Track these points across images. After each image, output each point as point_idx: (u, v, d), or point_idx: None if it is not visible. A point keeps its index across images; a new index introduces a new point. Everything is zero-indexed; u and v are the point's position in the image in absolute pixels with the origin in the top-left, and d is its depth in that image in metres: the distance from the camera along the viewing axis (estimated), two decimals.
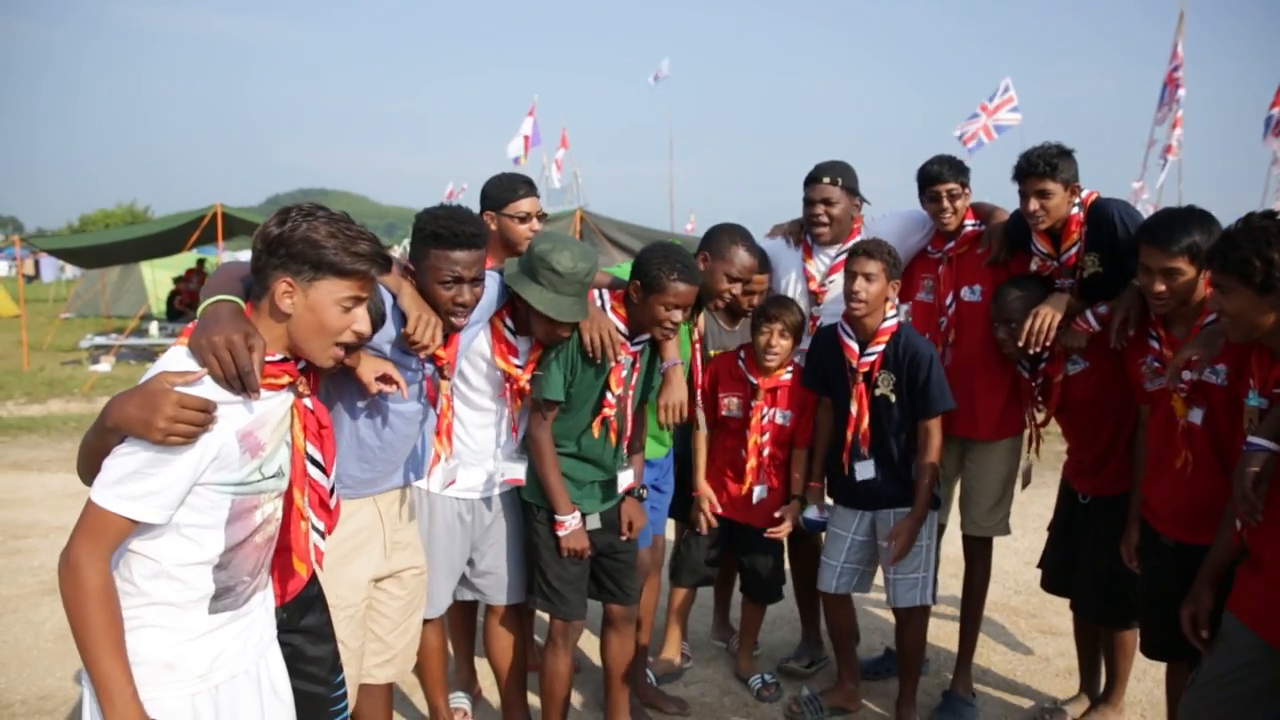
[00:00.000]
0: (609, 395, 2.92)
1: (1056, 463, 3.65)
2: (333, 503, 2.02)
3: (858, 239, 3.56)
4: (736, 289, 3.31)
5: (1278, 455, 2.20)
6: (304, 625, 2.17)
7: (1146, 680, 3.71)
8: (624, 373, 2.95)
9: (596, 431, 2.93)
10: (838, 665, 3.68)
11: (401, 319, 2.44)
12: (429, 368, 2.59)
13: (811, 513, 3.51)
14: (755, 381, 3.52)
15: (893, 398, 3.29)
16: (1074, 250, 3.17)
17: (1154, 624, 2.86)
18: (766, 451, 3.53)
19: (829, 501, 3.58)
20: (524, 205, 3.20)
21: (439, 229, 2.45)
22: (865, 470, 3.32)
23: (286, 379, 1.83)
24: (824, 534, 3.60)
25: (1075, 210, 3.16)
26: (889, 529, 3.36)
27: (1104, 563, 3.20)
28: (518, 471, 2.93)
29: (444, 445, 2.71)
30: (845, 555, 3.46)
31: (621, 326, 2.95)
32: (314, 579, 2.23)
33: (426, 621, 2.92)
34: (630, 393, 3.01)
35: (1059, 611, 4.40)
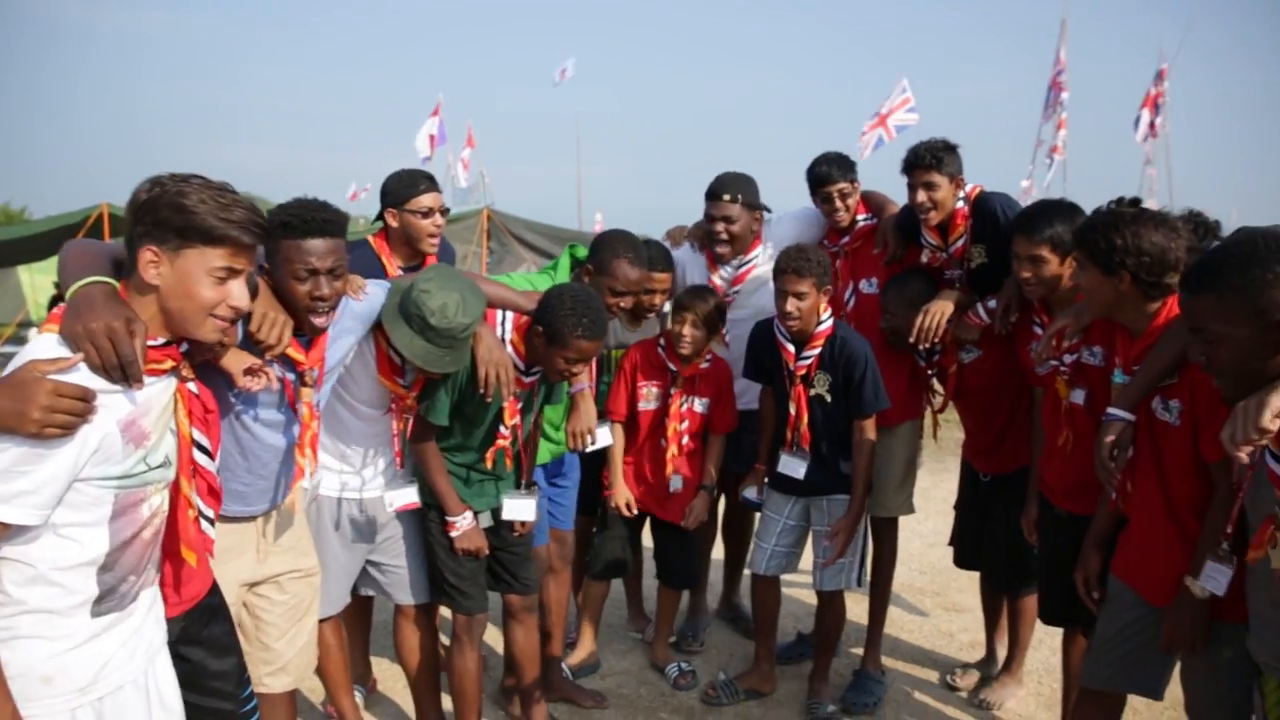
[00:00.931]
0: (502, 428, 2.85)
1: (956, 448, 3.77)
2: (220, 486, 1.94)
3: (760, 248, 3.64)
4: (625, 302, 3.19)
5: (1133, 424, 2.36)
6: (205, 637, 2.07)
7: (1043, 649, 3.87)
8: (519, 405, 2.88)
9: (489, 463, 2.89)
10: (755, 648, 3.74)
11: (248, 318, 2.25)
12: (289, 374, 2.39)
13: (750, 493, 3.56)
14: (675, 369, 3.52)
15: (828, 397, 3.34)
16: (961, 242, 3.29)
17: (1051, 591, 3.00)
18: (685, 440, 3.54)
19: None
20: (425, 200, 3.12)
21: (287, 218, 2.28)
22: (794, 468, 3.37)
23: (169, 364, 1.73)
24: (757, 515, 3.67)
25: (961, 204, 3.28)
26: (822, 514, 3.44)
27: (1007, 536, 3.36)
28: (410, 496, 2.85)
29: (307, 458, 2.46)
30: (777, 539, 3.52)
31: (518, 360, 2.84)
32: (214, 589, 2.13)
33: (322, 621, 2.81)
34: (530, 419, 2.97)
35: (962, 589, 4.57)
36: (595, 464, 3.62)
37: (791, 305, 3.21)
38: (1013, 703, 3.57)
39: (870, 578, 3.72)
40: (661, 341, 3.58)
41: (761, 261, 3.65)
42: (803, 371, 3.32)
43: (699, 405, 3.56)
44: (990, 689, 3.61)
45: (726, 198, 3.58)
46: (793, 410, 3.33)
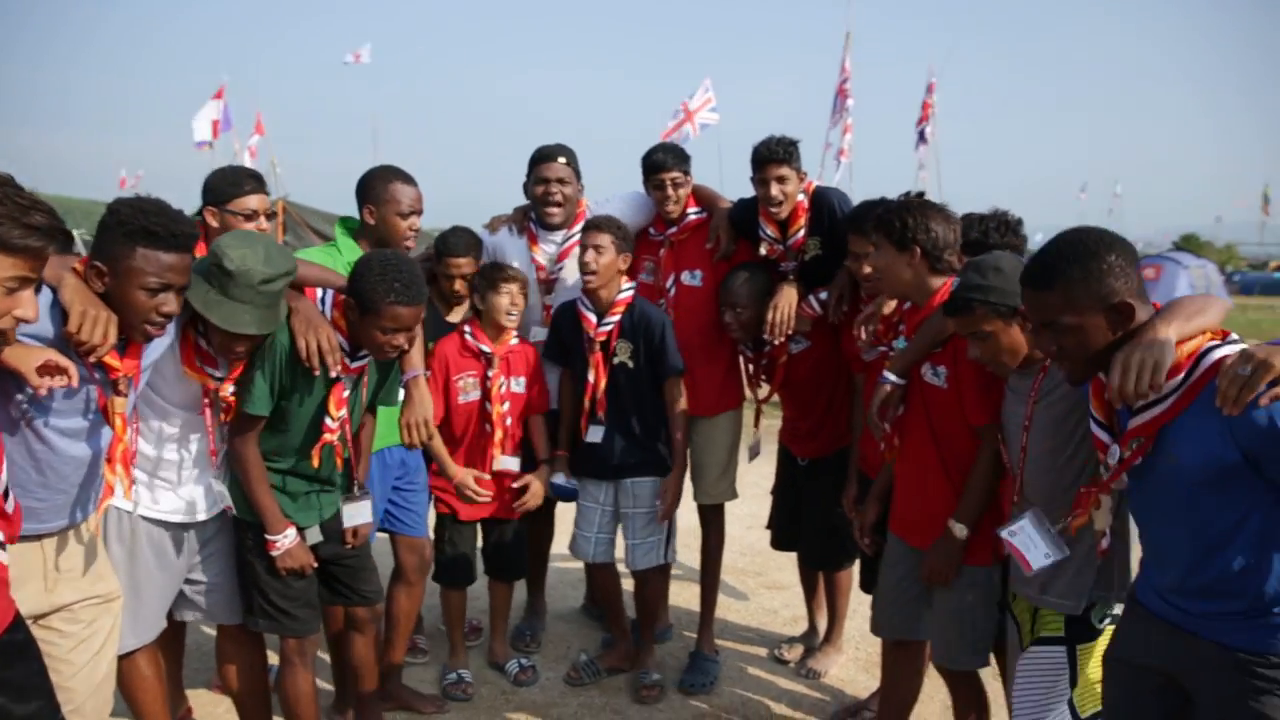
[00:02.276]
0: (328, 419, 2.66)
1: (769, 433, 3.97)
2: (9, 507, 1.74)
3: (584, 222, 3.64)
4: (414, 222, 3.12)
5: (902, 386, 2.69)
6: (5, 679, 1.84)
7: (857, 618, 4.15)
8: (345, 393, 2.68)
9: (316, 461, 2.70)
10: (610, 629, 3.81)
11: (63, 316, 2.04)
12: (97, 376, 2.17)
13: (559, 479, 3.56)
14: (489, 350, 3.45)
15: (631, 364, 3.43)
16: (800, 235, 3.46)
17: (870, 561, 3.25)
18: (509, 421, 3.50)
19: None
20: (251, 201, 2.92)
21: (152, 226, 2.11)
22: (597, 435, 3.45)
23: None
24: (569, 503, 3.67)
25: (801, 198, 3.46)
26: (629, 498, 3.53)
27: (824, 515, 3.57)
28: (227, 500, 2.64)
29: (119, 475, 2.25)
30: (598, 526, 3.58)
31: (343, 342, 2.65)
32: (17, 623, 1.90)
33: (135, 651, 2.56)
34: (359, 413, 2.82)
35: (781, 568, 4.82)
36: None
37: (590, 257, 3.30)
38: (835, 669, 3.82)
39: (701, 563, 3.87)
40: (467, 329, 3.48)
41: None
42: (603, 338, 3.39)
43: (517, 385, 3.52)
44: (815, 658, 3.85)
45: (561, 160, 3.61)
46: (591, 377, 3.40)
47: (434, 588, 3.63)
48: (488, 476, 3.50)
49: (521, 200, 3.83)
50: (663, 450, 3.53)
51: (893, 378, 2.71)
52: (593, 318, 3.42)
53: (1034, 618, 2.40)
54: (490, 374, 3.44)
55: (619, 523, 3.62)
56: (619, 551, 3.65)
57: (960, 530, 2.57)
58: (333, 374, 2.62)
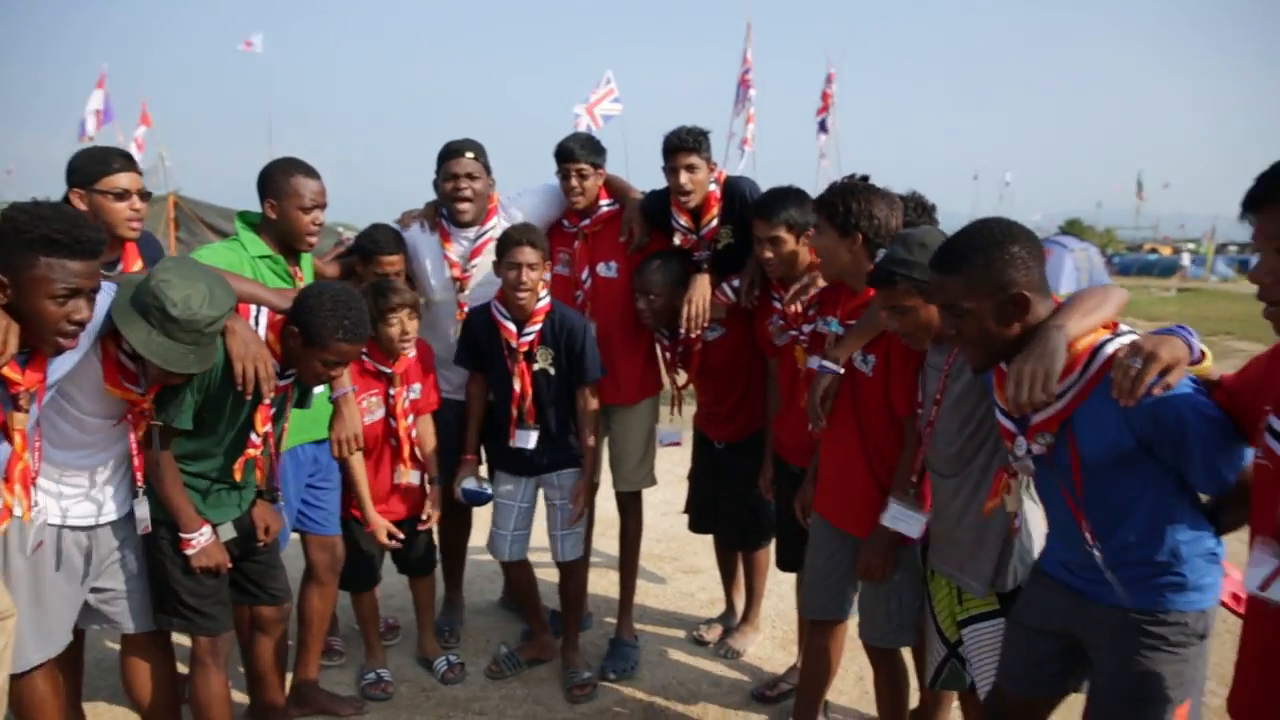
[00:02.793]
0: (253, 435, 2.65)
1: (684, 420, 4.00)
2: None
3: (496, 219, 3.63)
4: (317, 217, 3.07)
5: (840, 375, 2.73)
6: None
7: (773, 597, 4.25)
8: (271, 410, 2.68)
9: (239, 475, 2.67)
10: (530, 622, 3.81)
11: None
12: None
13: (470, 484, 3.52)
14: (389, 370, 3.37)
15: (551, 370, 3.42)
16: (713, 224, 3.51)
17: (787, 541, 3.34)
18: (415, 433, 3.46)
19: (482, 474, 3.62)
20: (121, 180, 2.76)
21: (54, 234, 2.04)
22: (526, 440, 3.44)
23: None
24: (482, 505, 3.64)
25: (712, 187, 3.50)
26: (554, 489, 3.54)
27: (742, 497, 3.64)
28: (140, 510, 2.56)
29: (17, 496, 2.15)
30: (515, 524, 3.56)
31: (274, 361, 2.65)
32: None
33: (33, 670, 2.45)
34: (280, 427, 2.80)
35: (696, 552, 4.89)
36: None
37: (526, 276, 3.27)
38: (754, 647, 3.91)
39: (620, 550, 3.90)
40: (364, 351, 3.32)
41: (498, 234, 3.59)
42: (525, 348, 3.37)
43: (414, 394, 3.47)
44: (733, 638, 3.92)
45: (469, 155, 3.55)
46: (517, 387, 3.38)
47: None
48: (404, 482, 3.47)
49: (431, 195, 3.76)
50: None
51: (832, 366, 2.74)
52: (512, 327, 3.38)
53: (959, 595, 2.49)
54: (393, 392, 3.39)
55: (531, 520, 3.61)
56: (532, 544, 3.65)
57: (891, 522, 2.61)
58: (266, 399, 2.60)
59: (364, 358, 3.35)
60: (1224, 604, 1.99)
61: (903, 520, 2.57)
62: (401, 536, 3.44)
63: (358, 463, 3.34)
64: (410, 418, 3.43)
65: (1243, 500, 1.83)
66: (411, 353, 3.44)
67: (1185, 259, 36.01)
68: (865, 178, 2.80)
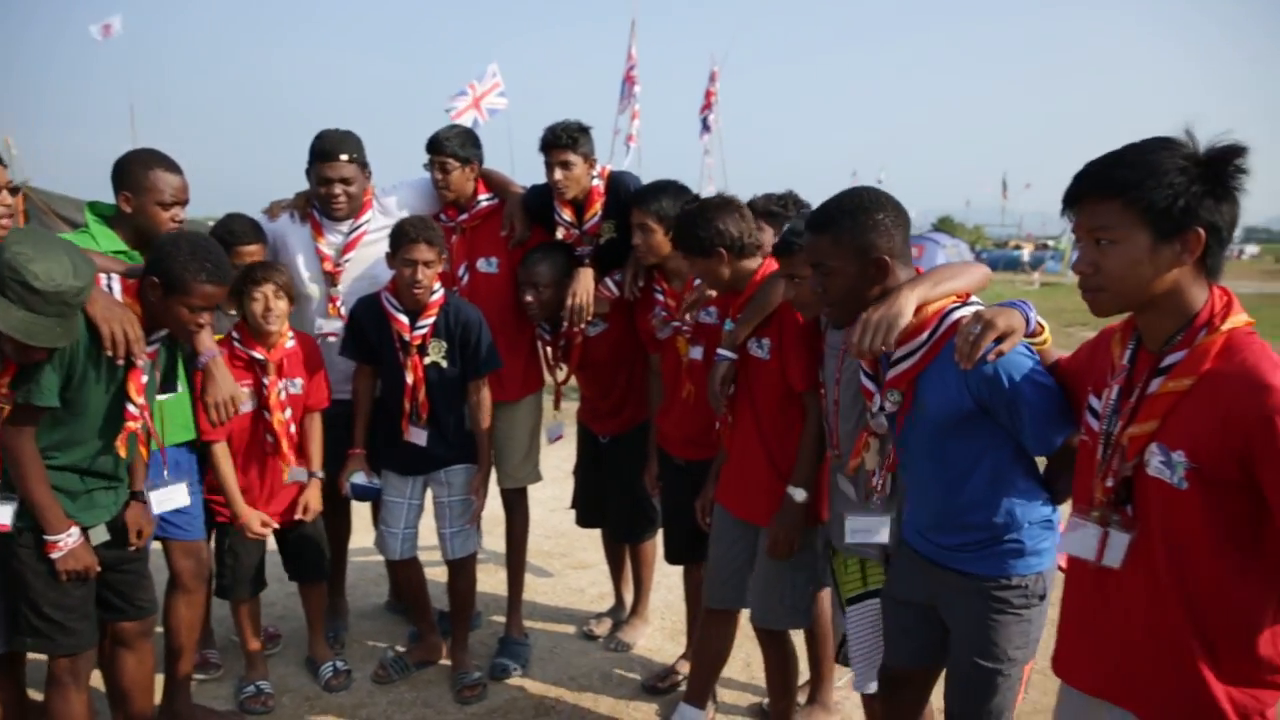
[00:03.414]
0: (130, 406, 2.53)
1: (568, 415, 4.02)
2: None
3: (371, 213, 3.55)
4: (178, 214, 2.91)
5: (735, 361, 2.80)
6: None
7: (662, 589, 4.31)
8: (144, 378, 2.56)
9: (123, 449, 2.54)
10: (417, 624, 3.75)
11: None
12: None
13: (359, 479, 3.44)
14: (262, 357, 3.25)
15: (444, 364, 3.37)
16: (595, 219, 3.52)
17: (674, 533, 3.39)
18: (292, 429, 3.34)
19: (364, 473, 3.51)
20: None
21: None
22: (419, 436, 3.38)
23: None
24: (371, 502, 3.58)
25: (596, 182, 3.51)
26: (443, 487, 3.49)
27: (628, 490, 3.68)
28: (4, 515, 2.40)
29: None
30: (405, 521, 3.50)
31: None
32: None
33: None
34: (154, 400, 2.67)
35: (585, 548, 4.90)
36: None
37: (421, 273, 3.22)
38: (643, 639, 3.95)
39: (507, 548, 3.88)
40: (235, 335, 3.26)
41: (373, 228, 3.55)
42: (419, 341, 3.32)
43: (294, 388, 3.35)
44: (623, 631, 3.95)
45: (344, 157, 3.43)
46: (410, 380, 3.32)
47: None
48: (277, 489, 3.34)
49: (304, 185, 3.63)
50: (474, 437, 3.51)
51: (729, 354, 2.80)
52: (404, 319, 3.31)
53: (863, 571, 2.56)
54: (266, 381, 3.26)
55: (420, 517, 3.56)
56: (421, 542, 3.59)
57: (800, 494, 2.68)
58: (138, 362, 2.50)
59: (235, 343, 3.24)
60: (1060, 569, 2.14)
61: (862, 533, 2.47)
62: (276, 525, 3.32)
63: (221, 452, 3.20)
64: (287, 411, 3.30)
65: (1073, 469, 1.98)
66: (289, 343, 3.32)
67: (1025, 255, 38.38)
68: (696, 197, 2.94)
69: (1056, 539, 2.10)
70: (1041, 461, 2.11)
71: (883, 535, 2.43)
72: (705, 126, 19.33)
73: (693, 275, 3.09)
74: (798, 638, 3.09)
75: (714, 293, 3.05)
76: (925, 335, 2.06)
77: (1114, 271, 1.59)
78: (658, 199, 3.17)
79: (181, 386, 2.97)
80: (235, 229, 3.35)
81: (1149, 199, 1.53)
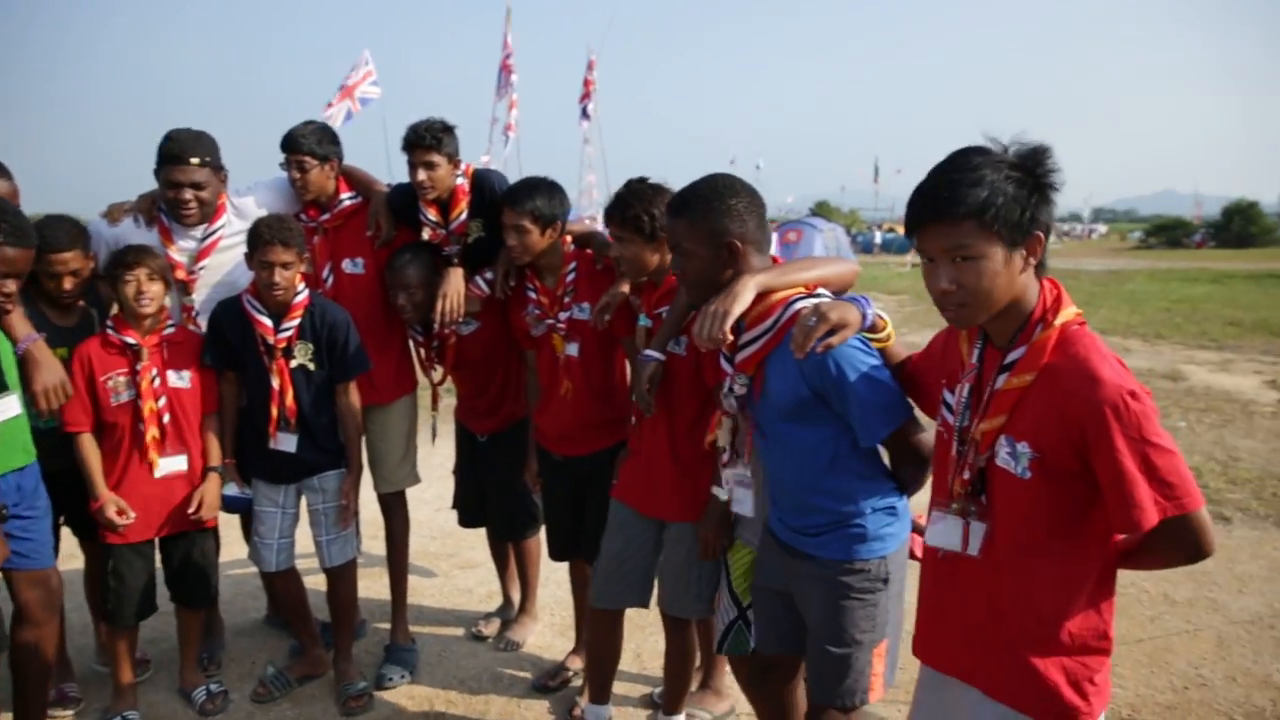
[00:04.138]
0: None
1: (447, 413, 3.95)
2: None
3: (225, 216, 3.38)
4: (9, 285, 2.69)
5: (663, 361, 2.76)
6: None
7: (550, 585, 4.30)
8: None
9: None
10: (299, 637, 3.62)
11: None
12: None
13: (231, 490, 3.29)
14: (135, 342, 3.09)
15: (312, 367, 3.26)
16: (462, 218, 3.44)
17: (556, 530, 3.36)
18: (168, 418, 3.14)
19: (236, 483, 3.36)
20: None
21: None
22: (288, 442, 3.26)
23: None
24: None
25: (460, 181, 3.43)
26: (317, 494, 3.38)
27: (508, 488, 3.64)
28: None
29: None
30: (280, 531, 3.37)
31: None
32: None
33: None
34: None
35: (473, 546, 4.84)
36: (77, 486, 3.08)
37: (279, 276, 3.10)
38: (533, 638, 3.92)
39: (387, 552, 3.79)
40: (110, 323, 3.12)
41: (229, 233, 3.37)
42: (283, 344, 3.20)
43: (178, 379, 3.17)
44: (512, 630, 3.92)
45: (195, 160, 3.23)
46: (276, 384, 3.20)
47: (81, 623, 3.22)
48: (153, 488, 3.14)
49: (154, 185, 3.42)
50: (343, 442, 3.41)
51: (655, 354, 2.75)
52: (268, 322, 3.18)
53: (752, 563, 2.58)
54: (139, 367, 3.09)
55: (296, 526, 3.44)
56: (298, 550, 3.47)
57: (724, 493, 2.62)
58: None
59: (109, 330, 3.08)
60: (916, 557, 2.23)
61: (739, 502, 2.51)
62: (133, 514, 3.11)
63: (87, 441, 3.04)
64: (161, 400, 3.12)
65: (913, 461, 2.11)
66: (169, 330, 3.17)
67: (877, 237, 40.02)
68: (644, 179, 2.85)
69: (903, 526, 2.19)
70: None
71: (747, 503, 2.46)
72: (584, 115, 19.29)
73: (608, 259, 3.01)
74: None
75: (624, 289, 3.01)
76: (769, 322, 2.14)
77: (977, 286, 1.64)
78: (532, 198, 3.10)
79: (18, 405, 2.74)
80: (48, 234, 3.00)
81: (1002, 217, 1.59)
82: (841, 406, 2.04)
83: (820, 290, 2.21)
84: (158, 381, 3.13)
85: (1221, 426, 7.45)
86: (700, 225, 2.18)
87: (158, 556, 3.29)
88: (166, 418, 3.15)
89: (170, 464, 3.17)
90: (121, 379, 3.08)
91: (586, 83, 18.86)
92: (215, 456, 3.27)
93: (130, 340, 3.09)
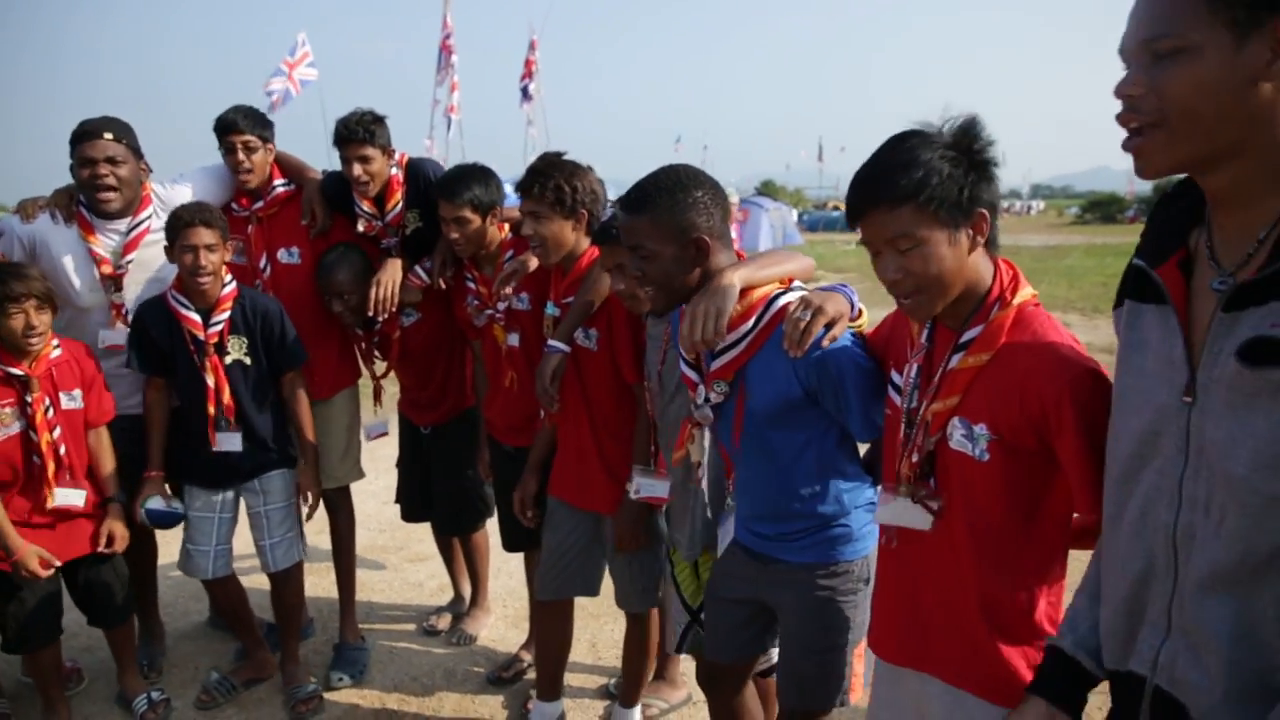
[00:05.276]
0: None
1: (390, 404, 3.86)
2: None
3: (151, 208, 3.22)
4: None
5: (567, 353, 2.70)
6: None
7: (502, 576, 4.24)
8: None
9: None
10: (241, 639, 3.51)
11: None
12: None
13: (155, 503, 3.12)
14: (22, 373, 2.83)
15: (248, 361, 3.13)
16: (397, 210, 3.33)
17: (509, 520, 3.29)
18: (64, 449, 2.93)
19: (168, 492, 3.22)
20: None
21: None
22: (231, 442, 3.13)
23: None
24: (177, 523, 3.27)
25: (395, 171, 3.32)
26: (258, 496, 3.26)
27: (453, 480, 3.57)
28: None
29: None
30: (218, 538, 3.24)
31: None
32: None
33: None
34: None
35: (421, 540, 4.75)
36: None
37: (204, 258, 2.95)
38: (486, 631, 3.87)
39: (333, 549, 3.70)
40: None
41: (156, 226, 3.19)
42: (215, 339, 3.08)
43: (70, 401, 2.96)
44: (464, 623, 3.85)
45: (109, 135, 3.06)
46: (211, 382, 3.07)
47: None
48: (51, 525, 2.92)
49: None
50: (287, 438, 3.30)
51: (560, 345, 2.68)
52: (196, 317, 3.04)
53: (698, 578, 2.54)
54: (30, 399, 2.85)
55: (234, 530, 3.31)
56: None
57: (634, 492, 2.62)
58: None
59: None
60: None
61: (648, 488, 2.57)
62: (58, 563, 2.90)
63: None
64: (57, 430, 2.90)
65: None
66: (55, 352, 2.93)
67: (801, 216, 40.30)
68: (561, 153, 2.75)
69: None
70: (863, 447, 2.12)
71: (663, 491, 2.42)
72: (526, 95, 19.04)
73: (524, 237, 2.84)
74: None
75: (532, 265, 2.93)
76: (750, 323, 2.01)
77: (925, 272, 1.59)
78: (469, 187, 3.01)
79: None
80: None
81: (939, 197, 1.55)
82: (839, 403, 1.94)
83: (795, 284, 2.10)
84: (51, 412, 2.90)
85: None
86: (664, 222, 2.00)
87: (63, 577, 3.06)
88: (63, 448, 2.93)
89: (67, 496, 2.94)
90: (8, 410, 2.83)
91: (528, 63, 18.61)
92: (113, 483, 3.07)
93: (16, 372, 2.83)
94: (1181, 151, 1.15)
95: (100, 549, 3.02)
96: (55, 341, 2.95)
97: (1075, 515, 1.67)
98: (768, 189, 46.39)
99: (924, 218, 1.56)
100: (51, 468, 2.90)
